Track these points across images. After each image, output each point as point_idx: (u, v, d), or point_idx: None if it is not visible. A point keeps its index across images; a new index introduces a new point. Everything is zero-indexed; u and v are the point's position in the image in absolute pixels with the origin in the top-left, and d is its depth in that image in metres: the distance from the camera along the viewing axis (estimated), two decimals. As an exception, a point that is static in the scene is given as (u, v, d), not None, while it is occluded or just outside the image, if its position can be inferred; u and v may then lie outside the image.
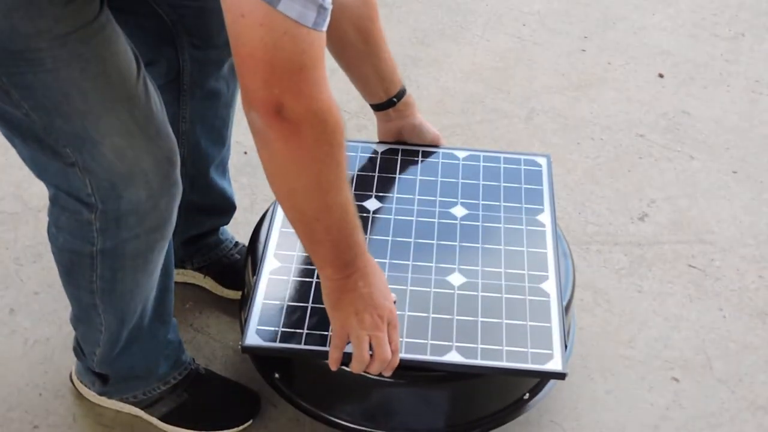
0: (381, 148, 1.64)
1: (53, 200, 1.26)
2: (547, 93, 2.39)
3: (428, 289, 1.40)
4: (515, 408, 1.47)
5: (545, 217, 1.53)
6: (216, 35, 1.42)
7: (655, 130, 2.28)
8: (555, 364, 1.31)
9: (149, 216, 1.24)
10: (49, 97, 1.10)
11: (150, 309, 1.40)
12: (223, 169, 1.67)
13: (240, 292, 1.67)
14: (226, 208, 1.72)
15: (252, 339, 1.33)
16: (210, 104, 1.52)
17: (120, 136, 1.16)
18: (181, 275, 1.75)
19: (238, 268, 1.71)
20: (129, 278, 1.31)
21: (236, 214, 1.96)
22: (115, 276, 1.30)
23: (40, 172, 1.24)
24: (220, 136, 1.59)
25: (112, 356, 1.43)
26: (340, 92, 2.35)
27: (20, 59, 1.07)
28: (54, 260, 1.35)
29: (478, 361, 1.30)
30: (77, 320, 1.43)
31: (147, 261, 1.30)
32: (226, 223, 1.76)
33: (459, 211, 1.53)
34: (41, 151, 1.18)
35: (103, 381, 1.51)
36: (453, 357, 1.31)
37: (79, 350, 1.50)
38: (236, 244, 1.78)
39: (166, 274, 1.40)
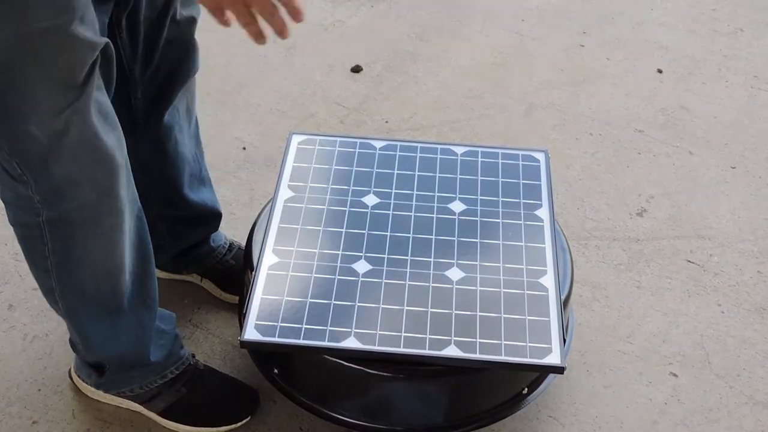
0: (379, 144, 1.64)
1: None
2: (545, 88, 2.39)
3: (427, 284, 1.40)
4: (514, 403, 1.48)
5: (543, 213, 1.53)
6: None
7: (653, 125, 2.28)
8: (553, 358, 1.31)
9: (86, 187, 1.24)
10: None
11: (128, 292, 1.40)
12: (200, 180, 1.67)
13: (236, 296, 1.70)
14: (209, 217, 1.71)
15: (251, 334, 1.33)
16: (167, 135, 1.54)
17: (51, 114, 1.16)
18: (179, 277, 1.76)
19: (235, 273, 1.71)
20: (80, 247, 1.31)
21: (235, 210, 1.97)
22: (66, 246, 1.30)
23: None
24: (183, 158, 1.60)
25: (95, 343, 1.44)
26: (339, 88, 2.36)
27: None
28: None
29: (477, 356, 1.31)
30: (56, 312, 1.44)
31: (96, 232, 1.30)
32: (215, 231, 1.74)
33: (457, 206, 1.53)
34: None
35: (99, 373, 1.51)
36: (452, 351, 1.31)
37: (72, 342, 1.50)
38: (230, 247, 1.77)
39: (143, 258, 1.41)
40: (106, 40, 1.18)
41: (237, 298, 1.70)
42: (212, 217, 1.72)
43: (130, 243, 1.36)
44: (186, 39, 1.47)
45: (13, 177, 1.22)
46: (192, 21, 1.46)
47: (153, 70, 1.45)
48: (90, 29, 1.14)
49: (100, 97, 1.22)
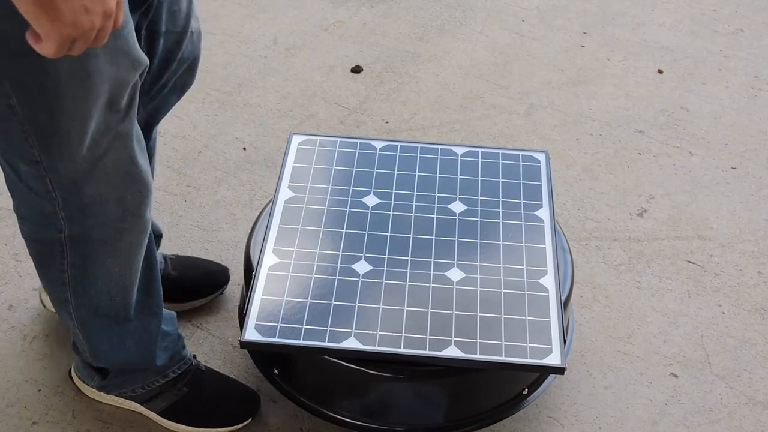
0: (379, 145, 1.64)
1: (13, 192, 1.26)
2: (546, 89, 2.39)
3: (427, 285, 1.40)
4: (514, 403, 1.48)
5: (544, 213, 1.53)
6: None
7: (654, 125, 2.28)
8: (554, 359, 1.31)
9: (113, 206, 1.24)
10: (41, 95, 1.10)
11: (134, 302, 1.40)
12: None
13: (198, 300, 1.71)
14: (156, 237, 1.68)
15: (251, 334, 1.33)
16: None
17: (95, 136, 1.16)
18: None
19: (182, 280, 1.71)
20: (99, 263, 1.31)
21: (235, 210, 1.97)
22: (85, 262, 1.30)
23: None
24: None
25: (103, 351, 1.44)
26: (339, 89, 2.36)
27: (23, 61, 1.06)
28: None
29: (477, 356, 1.31)
30: (61, 319, 1.43)
31: (116, 248, 1.30)
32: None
33: (458, 206, 1.53)
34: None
35: (102, 375, 1.51)
36: (452, 352, 1.31)
37: (75, 345, 1.50)
38: (166, 260, 1.73)
39: (148, 266, 1.41)
40: (146, 60, 1.17)
41: (198, 301, 1.71)
42: (158, 237, 1.71)
43: None
44: (196, 55, 1.45)
45: (38, 194, 1.21)
46: (200, 35, 1.45)
47: (161, 85, 1.44)
48: (134, 45, 1.13)
49: (136, 122, 1.22)
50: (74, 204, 1.22)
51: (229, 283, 1.80)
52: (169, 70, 1.42)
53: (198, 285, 1.73)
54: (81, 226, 1.25)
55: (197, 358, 1.59)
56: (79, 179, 1.19)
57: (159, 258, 1.71)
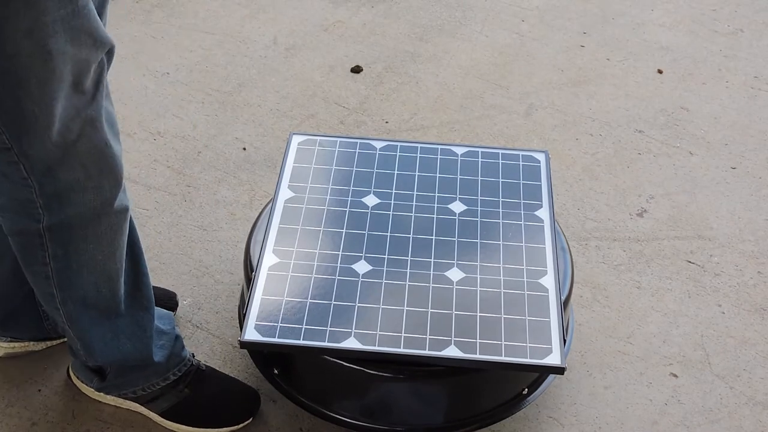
0: (379, 145, 1.64)
1: None
2: (545, 89, 2.39)
3: (427, 285, 1.40)
4: (514, 403, 1.48)
5: (544, 213, 1.53)
6: None
7: (654, 126, 2.28)
8: (554, 359, 1.31)
9: (91, 193, 1.24)
10: (4, 78, 1.09)
11: (123, 295, 1.40)
12: None
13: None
14: None
15: (251, 334, 1.33)
16: None
17: (64, 120, 1.15)
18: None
19: None
20: (82, 251, 1.30)
21: (235, 210, 1.97)
22: (67, 252, 1.29)
23: None
24: None
25: (97, 349, 1.43)
26: (339, 89, 2.36)
27: None
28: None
29: (477, 356, 1.31)
30: (53, 320, 1.43)
31: (97, 233, 1.29)
32: None
33: (457, 206, 1.53)
34: None
35: (101, 377, 1.51)
36: (452, 352, 1.31)
37: (71, 348, 1.50)
38: None
39: (134, 257, 1.40)
40: (111, 41, 1.17)
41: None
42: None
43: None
44: None
45: (13, 182, 1.21)
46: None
47: None
48: (96, 25, 1.13)
49: (108, 106, 1.22)
50: (50, 190, 1.21)
51: (229, 283, 1.80)
52: None
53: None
54: (59, 214, 1.25)
55: (196, 358, 1.59)
56: (53, 164, 1.18)
57: None
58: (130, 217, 1.38)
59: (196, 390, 1.54)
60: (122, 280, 1.38)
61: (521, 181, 1.58)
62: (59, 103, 1.13)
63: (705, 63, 2.51)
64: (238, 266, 1.84)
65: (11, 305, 1.56)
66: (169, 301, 1.72)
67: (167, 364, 1.51)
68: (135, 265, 1.41)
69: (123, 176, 1.27)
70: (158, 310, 1.50)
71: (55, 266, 1.31)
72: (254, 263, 1.48)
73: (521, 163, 1.62)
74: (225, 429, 1.54)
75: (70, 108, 1.15)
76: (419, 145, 1.65)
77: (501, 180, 1.58)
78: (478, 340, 1.32)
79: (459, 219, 1.51)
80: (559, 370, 1.32)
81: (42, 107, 1.12)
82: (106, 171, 1.24)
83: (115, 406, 1.57)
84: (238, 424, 1.54)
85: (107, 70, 1.19)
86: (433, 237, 1.48)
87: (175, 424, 1.54)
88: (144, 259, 1.43)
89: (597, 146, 2.20)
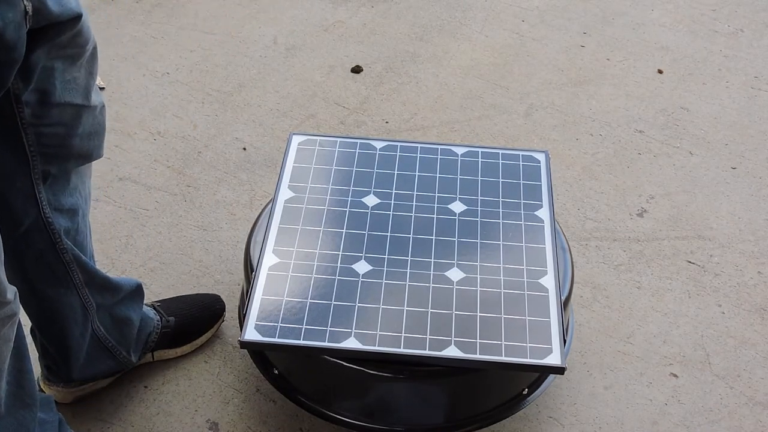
0: (379, 145, 1.64)
1: None
2: (545, 89, 2.39)
3: (427, 285, 1.40)
4: (514, 403, 1.48)
5: (544, 213, 1.53)
6: None
7: (654, 126, 2.28)
8: (554, 359, 1.31)
9: None
10: None
11: (4, 396, 1.29)
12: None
13: (200, 338, 1.68)
14: None
15: (251, 334, 1.33)
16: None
17: None
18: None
19: (184, 325, 1.67)
20: None
21: (235, 210, 1.97)
22: None
23: None
24: None
25: None
26: (339, 88, 2.36)
27: None
28: None
29: (477, 356, 1.31)
30: None
31: None
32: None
33: (458, 206, 1.53)
34: None
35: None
36: (452, 352, 1.31)
37: None
38: (157, 309, 1.67)
39: (18, 355, 1.30)
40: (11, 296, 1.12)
41: (204, 337, 1.69)
42: (138, 290, 1.65)
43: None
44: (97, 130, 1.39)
45: None
46: (104, 109, 1.38)
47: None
48: None
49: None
50: None
51: (229, 283, 1.80)
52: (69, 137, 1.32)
53: (198, 323, 1.68)
54: None
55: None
56: None
57: (151, 314, 1.62)
58: (18, 320, 1.25)
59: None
60: (4, 381, 1.28)
61: (521, 181, 1.58)
62: None
63: (705, 63, 2.51)
64: (238, 266, 1.84)
65: (81, 353, 1.53)
66: (215, 303, 1.70)
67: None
68: (18, 362, 1.31)
69: (8, 294, 1.15)
70: (39, 396, 1.40)
71: None
72: (254, 263, 1.48)
73: (521, 163, 1.62)
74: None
75: None
76: (419, 145, 1.65)
77: (501, 180, 1.58)
78: (478, 340, 1.33)
79: (459, 219, 1.51)
80: (559, 370, 1.32)
81: None
82: None
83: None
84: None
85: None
86: (433, 237, 1.48)
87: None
88: (28, 354, 1.33)
89: (597, 146, 2.20)
